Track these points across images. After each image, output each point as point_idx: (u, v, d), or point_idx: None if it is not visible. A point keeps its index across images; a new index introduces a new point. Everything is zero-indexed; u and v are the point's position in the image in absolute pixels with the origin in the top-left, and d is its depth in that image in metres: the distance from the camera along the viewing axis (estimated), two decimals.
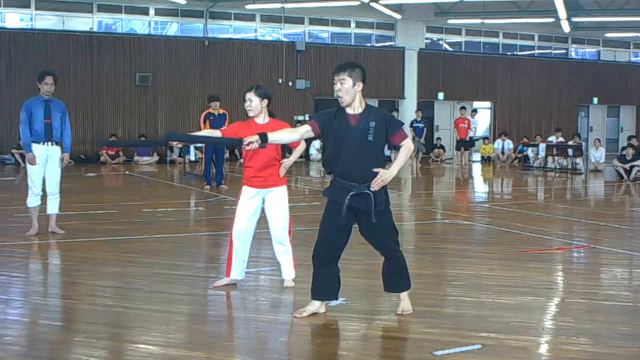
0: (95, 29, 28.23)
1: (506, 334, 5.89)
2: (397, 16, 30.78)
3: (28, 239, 10.26)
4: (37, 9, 27.35)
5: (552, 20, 31.08)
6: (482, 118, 33.14)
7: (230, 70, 28.88)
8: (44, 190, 10.54)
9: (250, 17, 30.31)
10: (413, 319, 6.33)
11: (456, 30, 34.20)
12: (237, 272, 7.46)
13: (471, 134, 27.10)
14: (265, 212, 7.51)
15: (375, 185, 6.01)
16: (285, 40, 30.67)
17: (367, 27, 32.51)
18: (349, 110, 6.17)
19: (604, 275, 8.61)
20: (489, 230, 11.89)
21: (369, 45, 32.59)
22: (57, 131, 10.40)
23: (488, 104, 34.96)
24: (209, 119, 16.76)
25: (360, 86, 6.14)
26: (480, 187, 21.41)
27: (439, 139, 31.08)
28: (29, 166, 10.43)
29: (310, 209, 13.07)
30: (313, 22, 31.46)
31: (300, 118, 29.71)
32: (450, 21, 32.57)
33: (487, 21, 32.39)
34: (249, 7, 28.78)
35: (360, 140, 6.06)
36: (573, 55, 37.63)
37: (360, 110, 6.17)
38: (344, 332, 6.10)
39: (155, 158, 26.81)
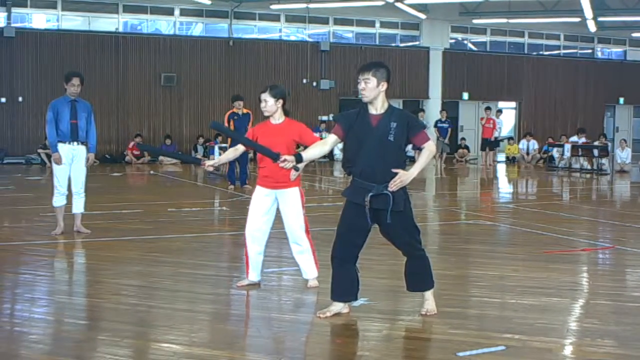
0: (121, 29, 28.39)
1: (530, 335, 5.86)
2: (422, 16, 30.71)
3: (53, 237, 10.34)
4: (63, 9, 27.56)
5: (578, 19, 30.89)
6: (507, 118, 33.00)
7: (254, 70, 28.93)
8: (69, 189, 10.62)
9: (275, 17, 30.36)
10: (436, 319, 6.31)
11: (481, 30, 34.07)
12: (253, 274, 7.52)
13: (496, 134, 26.97)
14: (279, 212, 7.53)
15: (393, 186, 5.99)
16: (310, 40, 30.70)
17: (392, 26, 32.46)
18: (371, 110, 6.16)
19: (629, 277, 8.55)
20: (512, 231, 11.84)
21: (394, 45, 32.54)
22: (83, 131, 10.48)
23: (513, 104, 34.79)
24: (232, 118, 16.81)
25: (384, 86, 6.12)
26: (504, 188, 21.32)
27: (463, 139, 30.99)
28: (54, 165, 10.52)
29: (333, 208, 13.06)
30: (337, 21, 31.45)
31: (324, 118, 29.73)
32: (475, 21, 32.46)
33: (512, 20, 32.23)
34: (273, 7, 28.83)
35: (380, 140, 6.05)
36: (599, 54, 37.37)
37: (382, 111, 6.15)
38: (366, 332, 6.09)
39: None
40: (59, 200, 10.57)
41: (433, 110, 30.69)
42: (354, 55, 30.63)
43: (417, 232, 6.35)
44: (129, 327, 6.14)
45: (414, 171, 6.03)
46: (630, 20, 33.59)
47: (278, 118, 7.44)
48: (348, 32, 32.14)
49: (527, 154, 28.57)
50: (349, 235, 6.28)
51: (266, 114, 7.43)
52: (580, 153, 25.02)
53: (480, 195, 18.83)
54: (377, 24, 32.03)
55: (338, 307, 6.40)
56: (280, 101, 7.37)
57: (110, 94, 27.14)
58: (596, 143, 25.17)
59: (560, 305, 7.01)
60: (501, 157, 29.81)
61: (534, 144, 28.83)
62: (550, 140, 28.52)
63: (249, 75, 28.59)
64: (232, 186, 17.03)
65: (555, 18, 32.09)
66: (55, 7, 27.43)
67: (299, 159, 6.20)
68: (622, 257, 9.56)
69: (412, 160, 7.20)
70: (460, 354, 5.40)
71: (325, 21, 31.21)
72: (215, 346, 5.61)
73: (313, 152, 6.43)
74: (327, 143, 6.33)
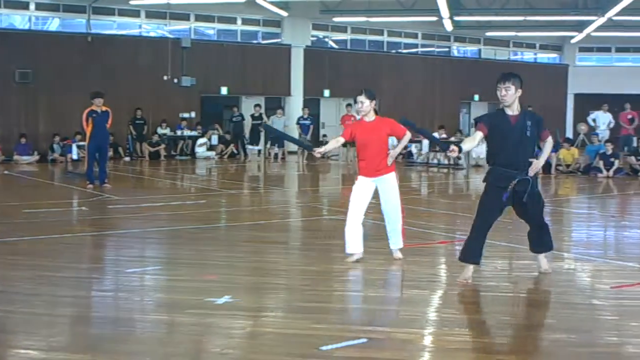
0: None
1: (391, 327, 5.99)
2: (283, 13, 30.81)
3: None
4: None
5: (434, 18, 31.66)
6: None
7: (113, 66, 28.25)
8: None
9: (135, 13, 29.79)
10: (299, 314, 6.37)
11: (342, 28, 34.45)
12: (353, 246, 8.61)
13: None
14: (379, 195, 8.73)
15: (532, 171, 7.41)
16: (171, 36, 30.28)
17: (253, 23, 32.42)
18: (509, 112, 7.46)
19: (485, 267, 8.83)
20: (374, 225, 12.00)
21: (255, 42, 32.50)
22: None
23: None
24: (91, 116, 16.41)
25: (519, 92, 7.43)
26: None
27: (324, 135, 31.25)
28: None
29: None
30: (199, 18, 31.14)
31: (185, 115, 29.41)
32: (336, 19, 32.80)
33: (371, 19, 32.74)
34: (133, 2, 28.28)
35: (520, 135, 7.39)
36: (455, 53, 38.46)
37: (517, 112, 7.47)
38: (230, 330, 6.07)
39: (36, 157, 26.04)
40: None
41: (295, 107, 30.85)
42: (216, 52, 30.43)
43: (544, 206, 7.93)
44: None
45: (542, 160, 7.62)
46: (484, 20, 34.74)
47: (371, 116, 8.72)
48: (209, 29, 31.91)
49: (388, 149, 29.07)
50: (491, 212, 7.60)
51: (362, 113, 8.73)
52: (437, 149, 25.67)
53: (342, 191, 19.06)
54: (239, 21, 31.92)
55: (470, 270, 7.66)
56: (374, 102, 8.68)
57: None
58: (452, 139, 25.89)
59: (420, 296, 7.19)
60: None
61: (393, 140, 29.33)
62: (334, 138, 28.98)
63: (108, 72, 27.88)
64: (90, 185, 16.61)
65: (413, 17, 32.76)
66: None
67: (460, 148, 7.41)
68: None
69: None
70: (324, 348, 5.46)
71: (186, 17, 30.85)
72: (76, 350, 5.48)
73: (470, 144, 7.67)
74: (476, 139, 7.59)
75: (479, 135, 7.51)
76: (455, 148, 7.40)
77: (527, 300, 7.13)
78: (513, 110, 7.47)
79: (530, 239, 8.05)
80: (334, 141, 9.13)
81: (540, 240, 8.00)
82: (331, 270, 8.50)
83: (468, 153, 24.46)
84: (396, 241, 8.82)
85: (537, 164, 7.47)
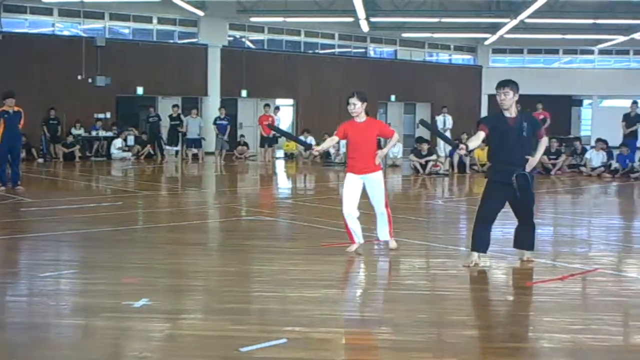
0: None
1: (310, 327, 6.01)
2: (200, 13, 30.60)
3: None
4: None
5: (351, 19, 31.88)
6: (285, 115, 33.57)
7: (25, 65, 27.61)
8: None
9: (48, 11, 29.20)
10: (218, 316, 6.34)
11: (259, 28, 34.41)
12: (357, 237, 9.28)
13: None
14: (366, 190, 9.32)
15: (528, 167, 8.24)
16: (84, 35, 29.77)
17: (170, 23, 32.11)
18: (507, 114, 8.28)
19: (402, 266, 8.96)
20: (292, 226, 12.07)
21: (172, 41, 32.21)
22: None
23: (290, 101, 35.43)
24: (2, 116, 16.02)
25: (517, 96, 8.30)
26: (283, 183, 21.72)
27: (242, 135, 31.18)
28: None
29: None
30: (113, 17, 30.70)
31: (101, 116, 28.97)
32: (253, 19, 32.73)
33: (288, 19, 32.79)
34: (45, 0, 27.74)
35: (518, 136, 8.19)
36: (371, 54, 38.78)
37: (515, 114, 8.29)
38: (148, 333, 6.00)
39: None
40: None
41: (212, 107, 30.68)
42: (131, 52, 30.06)
43: (533, 204, 8.58)
44: None
45: (537, 157, 8.49)
46: (400, 21, 35.14)
47: (362, 117, 9.21)
48: (125, 28, 31.48)
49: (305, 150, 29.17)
50: (494, 204, 8.38)
51: (354, 114, 9.19)
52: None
53: (260, 192, 19.06)
54: (155, 20, 31.58)
55: (475, 256, 8.40)
56: (365, 104, 9.18)
57: None
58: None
59: (339, 296, 7.24)
60: (280, 153, 30.28)
61: (311, 141, 29.43)
62: (327, 136, 29.22)
63: (21, 71, 27.27)
64: (3, 188, 16.21)
65: (330, 17, 32.94)
66: None
67: (467, 148, 8.30)
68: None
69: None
70: (244, 349, 5.45)
71: (100, 16, 30.37)
72: None
73: (473, 144, 8.42)
74: (479, 138, 8.32)
75: (482, 134, 8.27)
76: (464, 146, 8.27)
77: (443, 297, 7.23)
78: (511, 112, 8.28)
79: (515, 235, 8.76)
80: (330, 140, 9.63)
81: (524, 239, 8.67)
82: (250, 271, 8.50)
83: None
84: (383, 233, 9.45)
85: (532, 161, 8.33)
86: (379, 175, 9.37)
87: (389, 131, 9.56)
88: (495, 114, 8.65)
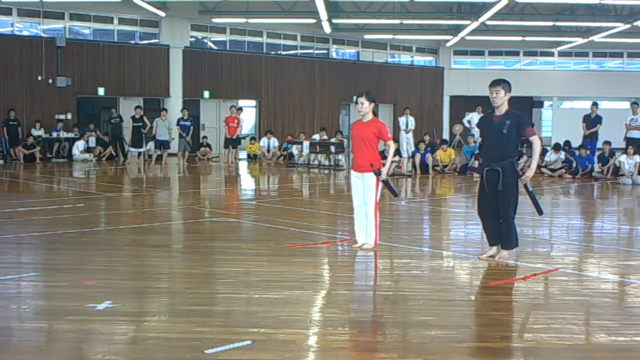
0: None
1: (275, 328, 6.01)
2: (161, 13, 30.46)
3: None
4: None
5: (313, 20, 31.93)
6: (248, 116, 33.50)
7: None
8: None
9: (6, 11, 28.83)
10: (182, 318, 6.32)
11: (221, 29, 34.30)
12: (358, 237, 9.64)
13: (238, 132, 27.50)
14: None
15: (529, 173, 8.63)
16: (44, 35, 29.46)
17: (131, 23, 31.89)
18: (496, 112, 8.63)
19: (366, 267, 8.98)
20: (256, 227, 12.05)
21: (133, 42, 32.00)
22: None
23: (253, 102, 35.37)
24: None
25: (508, 95, 8.58)
26: (247, 185, 21.67)
27: (205, 137, 31.07)
28: None
29: None
30: (73, 17, 30.41)
31: (61, 117, 28.70)
32: (215, 20, 32.64)
33: (251, 20, 32.74)
34: None
35: (498, 133, 8.50)
36: (334, 55, 38.84)
37: (502, 112, 8.58)
38: (112, 336, 5.95)
39: None
40: None
41: (174, 108, 30.50)
42: (92, 52, 29.81)
43: (515, 204, 8.68)
44: None
45: (533, 165, 8.71)
46: (362, 23, 35.28)
47: (368, 117, 9.50)
48: (85, 28, 31.21)
49: (268, 151, 29.14)
50: (483, 200, 8.77)
51: (361, 113, 9.48)
52: (318, 150, 25.91)
53: (224, 193, 19.01)
54: (116, 21, 31.35)
55: (493, 251, 8.82)
56: (373, 104, 9.48)
57: None
58: (333, 140, 26.16)
59: (303, 297, 7.24)
60: (243, 154, 30.21)
61: (274, 142, 29.43)
62: (290, 137, 29.27)
63: None
64: None
65: (292, 19, 32.97)
66: None
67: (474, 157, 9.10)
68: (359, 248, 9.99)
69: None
70: (208, 351, 5.43)
71: (60, 16, 30.06)
72: None
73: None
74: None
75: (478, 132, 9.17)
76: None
77: (407, 298, 7.27)
78: (500, 111, 8.61)
79: (495, 229, 8.90)
80: (390, 158, 9.89)
81: (497, 233, 8.80)
82: (214, 272, 8.48)
83: (348, 153, 24.80)
84: (368, 237, 9.54)
85: (530, 171, 8.66)
86: (372, 177, 9.47)
87: (386, 135, 9.62)
88: (487, 113, 9.12)
